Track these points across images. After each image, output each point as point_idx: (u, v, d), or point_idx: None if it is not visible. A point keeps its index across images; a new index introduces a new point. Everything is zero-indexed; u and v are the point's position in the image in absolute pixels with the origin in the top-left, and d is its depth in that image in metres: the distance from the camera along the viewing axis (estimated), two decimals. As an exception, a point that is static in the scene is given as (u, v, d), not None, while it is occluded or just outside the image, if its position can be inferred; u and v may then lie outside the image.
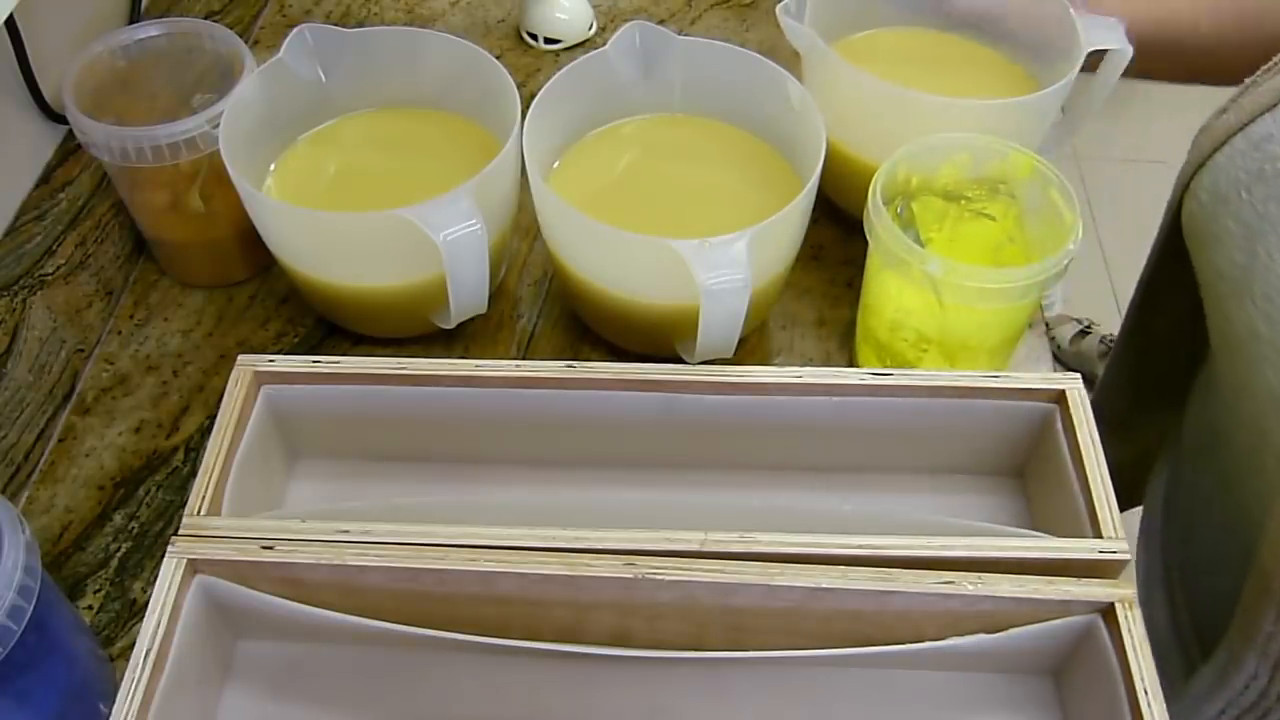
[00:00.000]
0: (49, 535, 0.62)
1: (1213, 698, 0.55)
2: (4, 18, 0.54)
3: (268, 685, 0.55)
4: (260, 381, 0.58)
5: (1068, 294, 1.74)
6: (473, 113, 0.72)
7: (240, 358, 0.57)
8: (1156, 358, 0.73)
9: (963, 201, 0.64)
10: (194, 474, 0.63)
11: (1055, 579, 0.49)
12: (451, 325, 0.65)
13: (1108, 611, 0.49)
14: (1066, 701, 0.54)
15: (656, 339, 0.65)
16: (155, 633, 0.48)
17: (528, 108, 0.63)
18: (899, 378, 0.56)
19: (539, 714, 0.54)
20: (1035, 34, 0.71)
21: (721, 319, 0.58)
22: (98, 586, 0.60)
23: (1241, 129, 0.57)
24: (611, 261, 0.62)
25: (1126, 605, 0.49)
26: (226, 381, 0.57)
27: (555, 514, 0.52)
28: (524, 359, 0.67)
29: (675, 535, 0.50)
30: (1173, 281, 0.65)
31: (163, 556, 0.50)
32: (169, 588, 0.49)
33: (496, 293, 0.70)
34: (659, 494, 0.61)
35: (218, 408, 0.56)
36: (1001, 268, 0.57)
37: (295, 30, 0.67)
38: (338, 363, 0.57)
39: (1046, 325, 0.72)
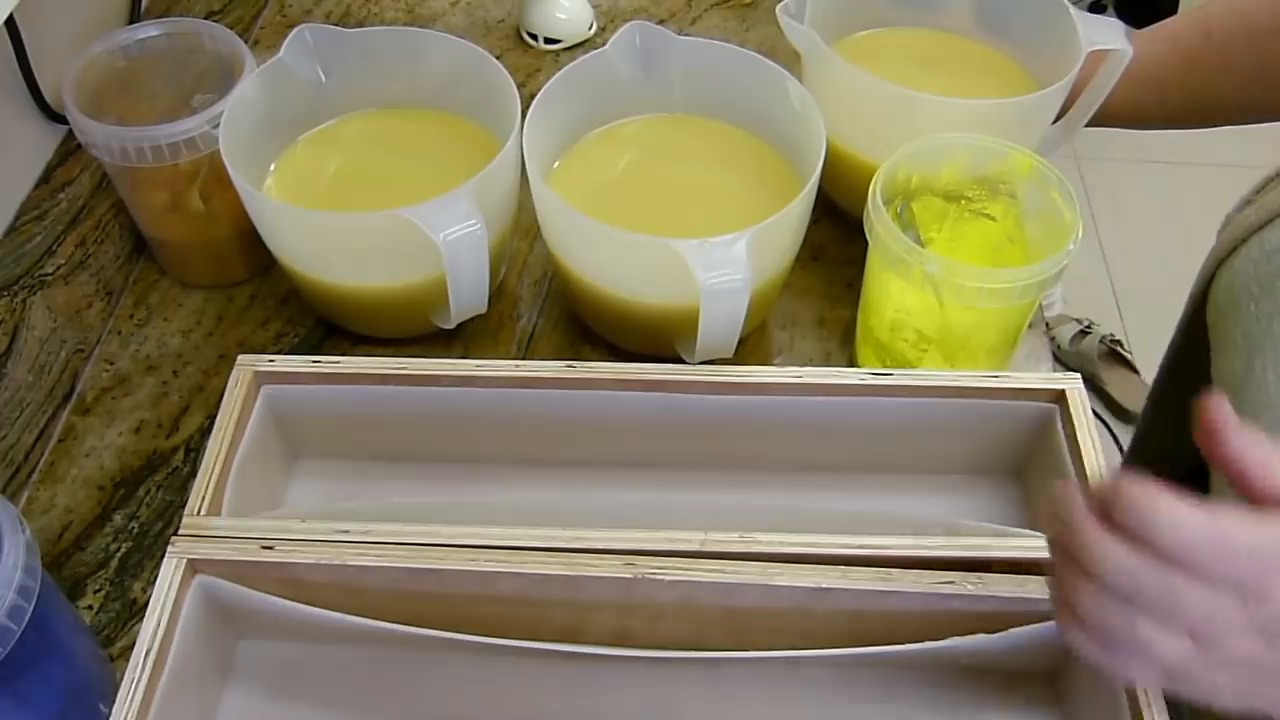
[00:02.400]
0: (49, 535, 0.62)
1: None
2: (4, 18, 0.54)
3: (268, 685, 0.55)
4: (260, 381, 0.58)
5: (1068, 294, 1.74)
6: (473, 113, 0.72)
7: (240, 358, 0.57)
8: (1183, 441, 0.70)
9: (963, 201, 0.64)
10: (194, 474, 0.63)
11: (1055, 579, 0.49)
12: (451, 325, 0.65)
13: (1108, 611, 0.49)
14: (1066, 701, 0.54)
15: (656, 339, 0.65)
16: (155, 633, 0.48)
17: (528, 108, 0.63)
18: (899, 378, 0.56)
19: (539, 714, 0.54)
20: (1035, 34, 0.71)
21: (721, 319, 0.58)
22: (98, 586, 0.60)
23: (1258, 231, 0.57)
24: (611, 261, 0.62)
25: (1126, 605, 0.49)
26: (226, 381, 0.57)
27: (555, 514, 0.52)
28: (524, 359, 0.67)
29: (675, 535, 0.50)
30: (1193, 364, 0.64)
31: (163, 556, 0.50)
32: (169, 588, 0.49)
33: (496, 293, 0.70)
34: (659, 494, 0.61)
35: (218, 408, 0.56)
36: (1001, 268, 0.57)
37: (295, 30, 0.67)
38: (338, 363, 0.57)
39: (1046, 325, 0.72)
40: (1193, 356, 0.66)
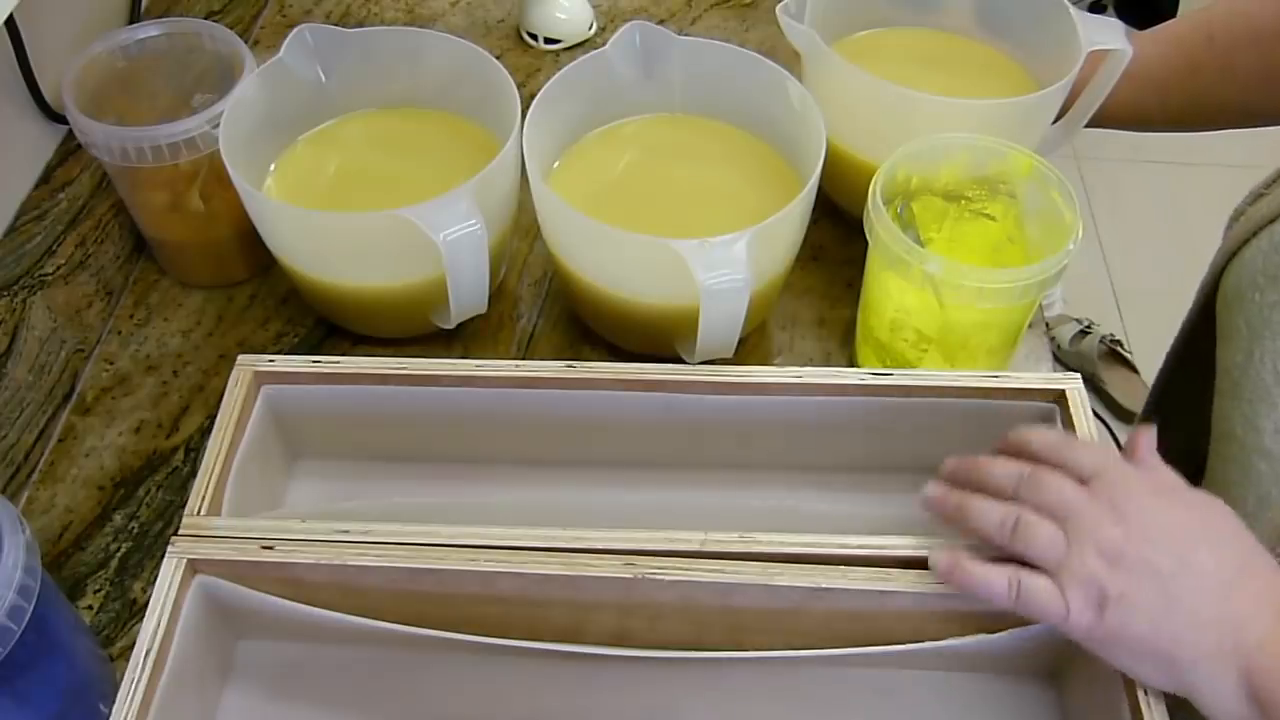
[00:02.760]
0: (49, 535, 0.62)
1: None
2: (4, 18, 0.54)
3: (268, 685, 0.55)
4: (260, 382, 0.57)
5: (1067, 294, 1.74)
6: (473, 113, 0.72)
7: (240, 358, 0.57)
8: (1183, 429, 0.71)
9: (963, 201, 0.64)
10: (194, 474, 0.63)
11: (1055, 579, 0.49)
12: (451, 325, 0.65)
13: (1108, 611, 0.49)
14: (1066, 701, 0.54)
15: (656, 339, 0.65)
16: (155, 633, 0.48)
17: (528, 108, 0.63)
18: (899, 378, 0.56)
19: (539, 714, 0.54)
20: (1035, 34, 0.71)
21: (721, 319, 0.58)
22: (98, 586, 0.60)
23: (1269, 224, 0.58)
24: (611, 261, 0.62)
25: (1126, 605, 0.49)
26: (226, 381, 0.57)
27: (555, 514, 0.52)
28: (524, 359, 0.67)
29: (675, 535, 0.50)
30: (1200, 355, 0.65)
31: (163, 556, 0.50)
32: (169, 588, 0.49)
33: (496, 293, 0.70)
34: (659, 494, 0.61)
35: (218, 408, 0.56)
36: (1001, 268, 0.57)
37: (295, 30, 0.67)
38: (338, 363, 0.57)
39: (1046, 325, 0.72)
40: (1197, 349, 0.66)
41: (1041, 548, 0.45)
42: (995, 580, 0.46)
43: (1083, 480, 0.46)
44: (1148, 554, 0.43)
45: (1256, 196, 0.62)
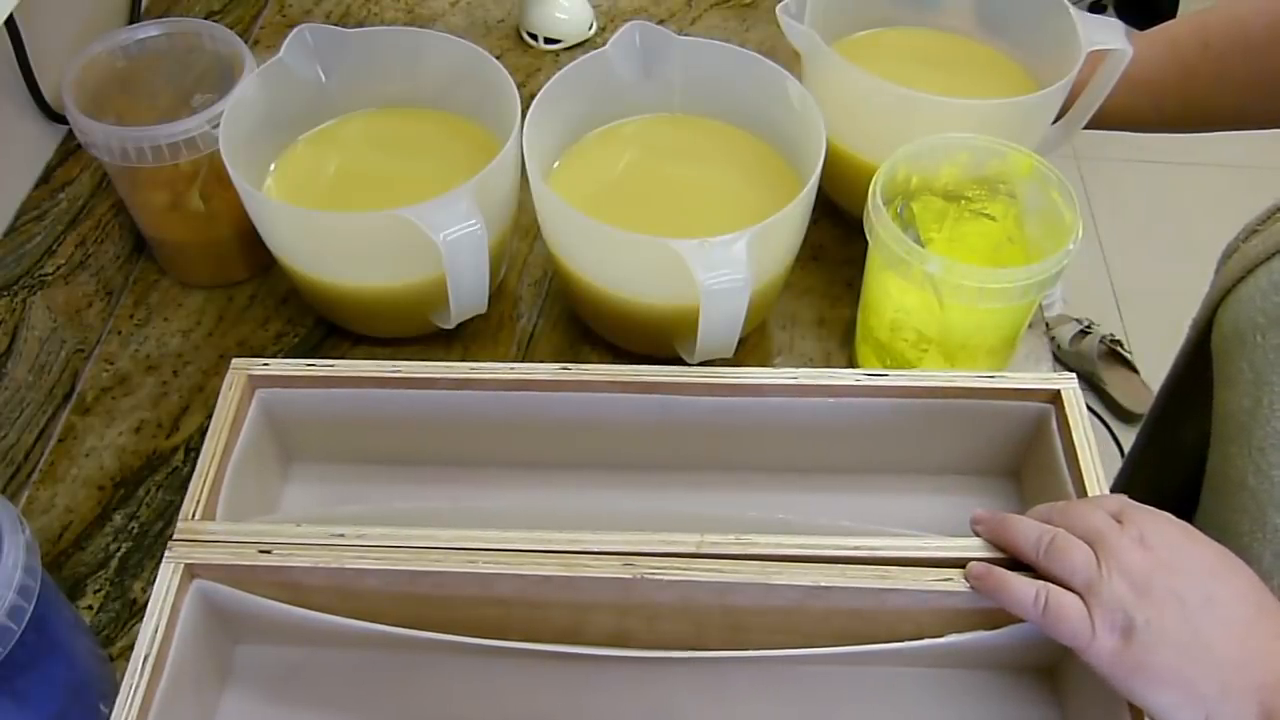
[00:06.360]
0: (49, 535, 0.62)
1: None
2: (4, 18, 0.54)
3: (266, 689, 0.55)
4: (255, 385, 0.57)
5: (1068, 294, 1.74)
6: (473, 113, 0.72)
7: (234, 361, 0.57)
8: (1176, 468, 0.71)
9: (963, 201, 0.64)
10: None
11: (1054, 579, 0.49)
12: (451, 325, 0.65)
13: (1107, 612, 0.49)
14: (1064, 697, 0.54)
15: (656, 339, 0.65)
16: (153, 638, 0.48)
17: (528, 108, 0.63)
18: (895, 378, 0.56)
19: (539, 715, 0.54)
20: (1035, 34, 0.71)
21: (721, 319, 0.58)
22: (98, 586, 0.60)
23: (1266, 261, 0.58)
24: (611, 261, 0.62)
25: (1126, 606, 0.49)
26: (226, 382, 0.57)
27: (552, 517, 0.52)
28: (524, 359, 0.67)
29: (671, 538, 0.50)
30: (1196, 392, 0.65)
31: (163, 557, 0.50)
32: (166, 592, 0.49)
33: (496, 293, 0.70)
34: (656, 496, 0.61)
35: (217, 408, 0.56)
36: (1001, 268, 0.57)
37: (295, 30, 0.67)
38: (332, 366, 0.57)
39: (1046, 325, 0.72)
40: (1194, 385, 0.66)
41: (1073, 567, 0.46)
42: (1024, 590, 0.46)
43: (1112, 516, 0.47)
44: (1174, 585, 0.44)
45: (1250, 233, 0.62)
